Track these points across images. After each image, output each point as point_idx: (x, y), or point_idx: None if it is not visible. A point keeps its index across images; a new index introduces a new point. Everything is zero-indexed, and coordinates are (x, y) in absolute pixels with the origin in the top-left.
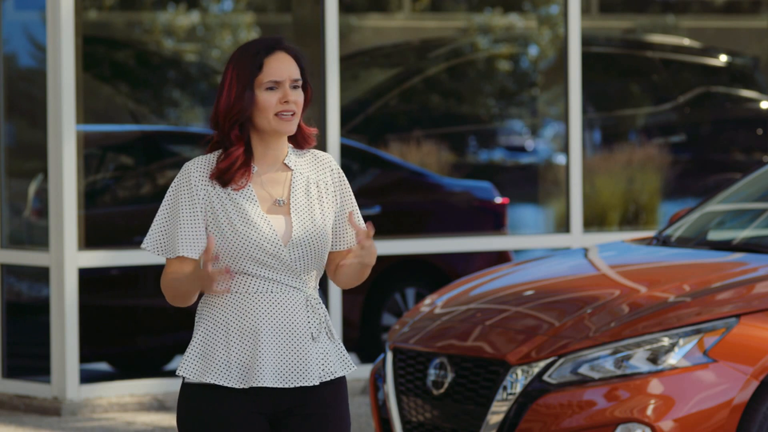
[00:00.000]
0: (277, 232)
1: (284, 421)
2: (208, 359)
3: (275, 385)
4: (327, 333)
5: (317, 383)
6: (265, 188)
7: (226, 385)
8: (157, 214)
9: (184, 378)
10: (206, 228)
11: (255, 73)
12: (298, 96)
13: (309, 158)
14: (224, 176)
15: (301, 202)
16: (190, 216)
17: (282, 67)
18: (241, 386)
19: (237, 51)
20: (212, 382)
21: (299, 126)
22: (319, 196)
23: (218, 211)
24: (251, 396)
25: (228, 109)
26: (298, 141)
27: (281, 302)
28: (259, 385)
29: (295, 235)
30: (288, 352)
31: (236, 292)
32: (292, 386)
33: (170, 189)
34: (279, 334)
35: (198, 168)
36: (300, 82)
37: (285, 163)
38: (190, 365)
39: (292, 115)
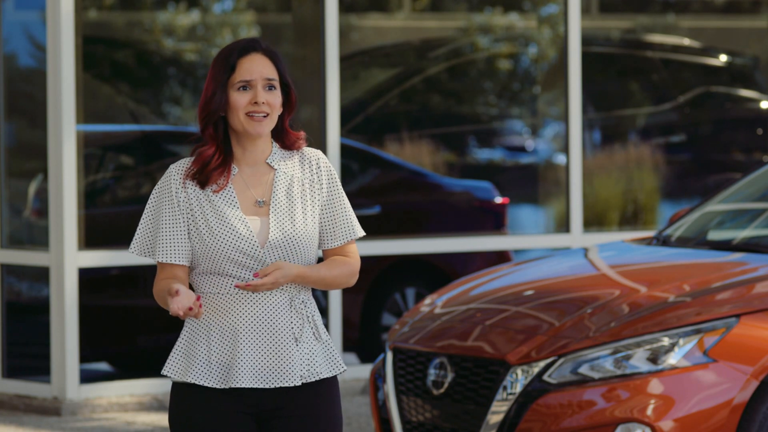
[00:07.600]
0: (255, 233)
1: (270, 421)
2: (190, 359)
3: (254, 386)
4: (314, 333)
5: (299, 384)
6: (246, 189)
7: (206, 385)
8: (142, 217)
9: (170, 377)
10: (188, 232)
11: (228, 73)
12: (272, 97)
13: (296, 156)
14: (200, 176)
15: (282, 203)
16: (170, 220)
17: (254, 67)
18: (221, 386)
19: (217, 53)
20: (193, 381)
21: (285, 130)
22: (302, 195)
23: (196, 213)
24: (234, 396)
25: (203, 108)
26: (286, 144)
27: (262, 303)
28: (238, 385)
29: (272, 237)
30: (268, 353)
31: (218, 293)
32: (272, 387)
33: (153, 191)
34: (259, 334)
35: (179, 171)
36: (275, 82)
37: (268, 163)
38: (174, 364)
39: (264, 116)
